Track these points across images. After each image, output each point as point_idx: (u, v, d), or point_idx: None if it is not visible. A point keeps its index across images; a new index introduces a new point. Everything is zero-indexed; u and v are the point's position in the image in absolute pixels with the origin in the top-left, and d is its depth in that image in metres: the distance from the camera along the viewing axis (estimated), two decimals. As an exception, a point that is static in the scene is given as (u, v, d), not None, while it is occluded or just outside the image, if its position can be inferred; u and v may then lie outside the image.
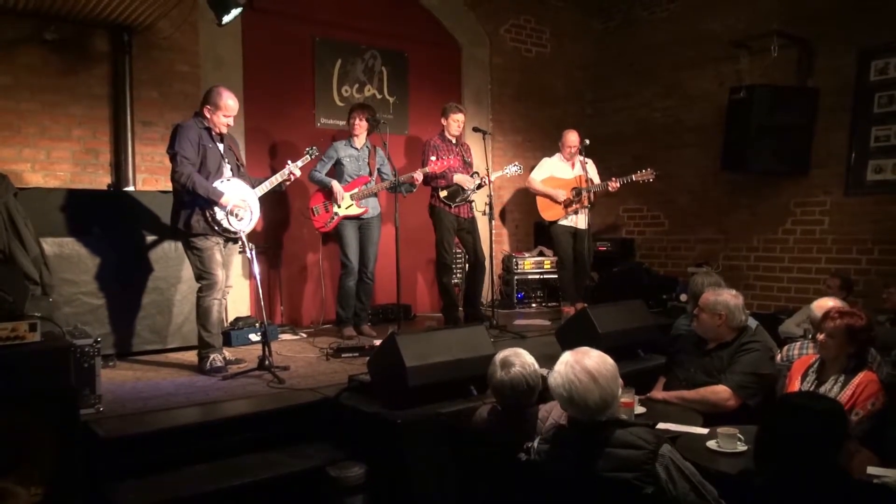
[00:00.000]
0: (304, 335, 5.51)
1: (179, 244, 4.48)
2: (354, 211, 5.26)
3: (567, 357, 2.26)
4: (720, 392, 3.24)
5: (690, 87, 7.07)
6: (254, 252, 4.28)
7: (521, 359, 2.66)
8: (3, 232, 3.93)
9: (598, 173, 6.18)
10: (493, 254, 5.58)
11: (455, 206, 5.49)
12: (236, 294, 5.24)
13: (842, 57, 5.91)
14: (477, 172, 5.63)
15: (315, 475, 3.12)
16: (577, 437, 2.21)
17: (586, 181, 5.96)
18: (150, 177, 5.29)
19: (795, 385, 3.08)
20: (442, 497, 2.99)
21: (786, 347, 3.72)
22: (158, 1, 4.59)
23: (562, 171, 6.12)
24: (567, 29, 7.87)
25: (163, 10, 4.77)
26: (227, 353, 4.42)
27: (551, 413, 2.57)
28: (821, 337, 3.01)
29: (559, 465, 2.22)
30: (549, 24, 7.72)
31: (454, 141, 5.59)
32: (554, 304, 6.84)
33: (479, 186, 5.54)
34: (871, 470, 2.38)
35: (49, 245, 4.35)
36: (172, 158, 4.13)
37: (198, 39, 5.43)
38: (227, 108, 4.22)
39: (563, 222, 6.06)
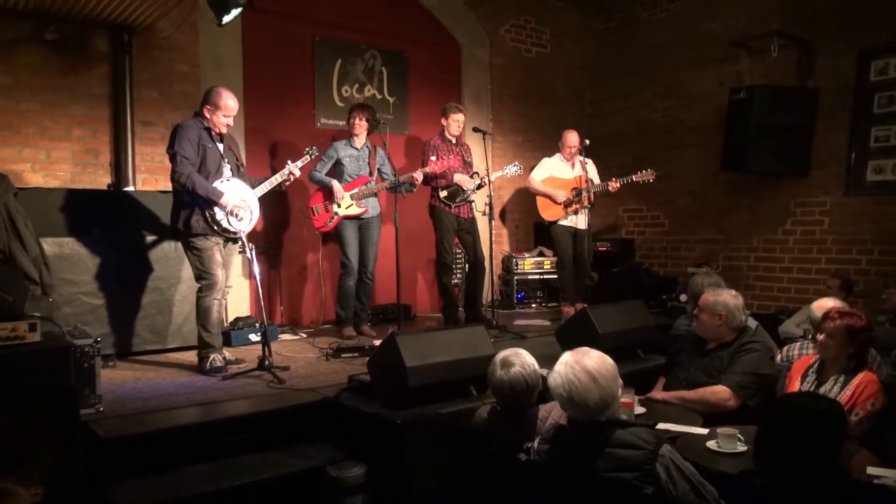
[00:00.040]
0: (304, 335, 5.51)
1: (179, 244, 4.48)
2: (354, 211, 5.26)
3: (567, 357, 2.26)
4: (720, 392, 3.24)
5: (690, 88, 7.08)
6: (254, 252, 4.28)
7: (521, 359, 2.66)
8: (3, 232, 3.93)
9: (598, 173, 6.18)
10: (493, 254, 5.58)
11: (455, 207, 5.49)
12: (236, 294, 5.24)
13: (842, 57, 5.91)
14: (477, 172, 5.63)
15: (315, 475, 3.12)
16: (577, 437, 2.21)
17: (586, 181, 5.96)
18: (150, 177, 5.29)
19: (795, 385, 3.08)
20: (442, 497, 2.99)
21: (786, 348, 3.72)
22: (158, 1, 4.59)
23: (562, 172, 6.12)
24: (567, 29, 7.88)
25: (163, 10, 4.77)
26: (227, 353, 4.42)
27: (551, 413, 2.57)
28: (821, 337, 3.01)
29: (559, 465, 2.22)
30: (549, 25, 7.72)
31: (454, 141, 5.59)
32: (554, 304, 6.84)
33: (479, 186, 5.54)
34: (870, 470, 2.38)
35: (49, 245, 4.35)
36: (172, 158, 4.13)
37: (198, 39, 5.43)
38: (227, 108, 4.22)
39: (563, 222, 6.06)
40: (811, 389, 2.98)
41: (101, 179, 5.11)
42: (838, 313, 3.00)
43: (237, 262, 5.01)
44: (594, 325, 4.10)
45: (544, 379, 2.52)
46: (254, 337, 5.04)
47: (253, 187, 4.41)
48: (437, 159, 5.36)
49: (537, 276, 7.02)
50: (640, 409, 3.10)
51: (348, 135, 5.42)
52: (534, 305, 7.00)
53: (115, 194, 5.04)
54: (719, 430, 2.71)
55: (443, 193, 5.46)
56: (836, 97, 5.96)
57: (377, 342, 4.30)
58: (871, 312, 4.06)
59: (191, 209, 4.16)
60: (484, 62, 7.28)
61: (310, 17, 6.08)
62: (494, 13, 7.28)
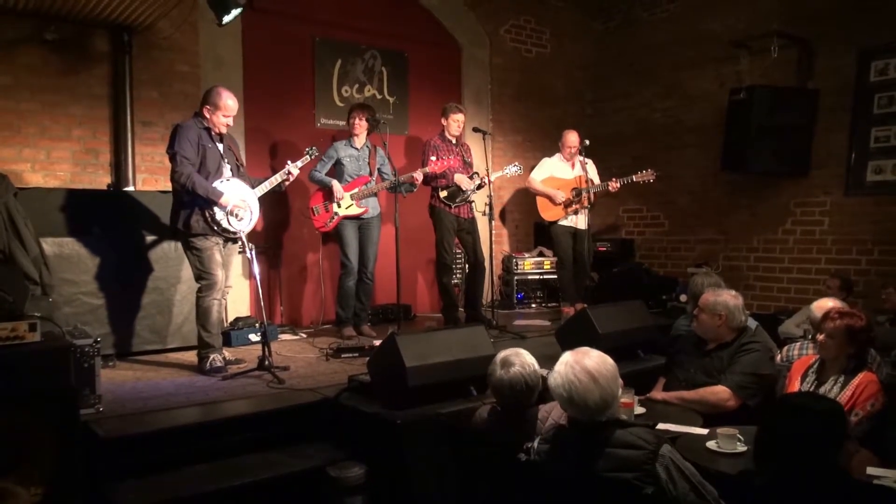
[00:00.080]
0: (304, 335, 5.51)
1: (179, 244, 4.47)
2: (354, 211, 5.26)
3: (567, 357, 2.26)
4: (720, 392, 3.24)
5: (690, 88, 7.08)
6: (253, 252, 4.28)
7: (522, 358, 2.66)
8: (3, 232, 3.93)
9: (598, 173, 6.18)
10: (493, 254, 5.57)
11: (455, 207, 5.49)
12: (236, 294, 5.24)
13: (842, 57, 5.91)
14: (477, 173, 5.63)
15: (315, 475, 3.12)
16: (577, 437, 2.21)
17: (586, 181, 5.96)
18: (150, 177, 5.29)
19: (795, 385, 3.08)
20: (442, 497, 2.99)
21: (785, 348, 3.72)
22: (158, 1, 4.59)
23: (562, 172, 6.12)
24: (567, 29, 7.88)
25: (163, 10, 4.77)
26: (227, 353, 4.42)
27: (551, 413, 2.57)
28: (820, 337, 3.01)
29: (559, 466, 2.22)
30: (549, 25, 7.72)
31: (454, 141, 5.59)
32: (554, 304, 6.84)
33: (479, 187, 5.54)
34: (870, 470, 2.39)
35: (49, 245, 4.35)
36: (172, 158, 4.13)
37: (198, 39, 5.43)
38: (227, 108, 4.21)
39: (563, 222, 6.06)
40: (811, 390, 2.98)
41: (101, 179, 5.11)
42: (838, 313, 3.00)
43: (237, 262, 5.01)
44: (594, 325, 4.10)
45: (544, 379, 2.52)
46: (254, 337, 5.04)
47: (253, 187, 4.41)
48: (437, 159, 5.36)
49: (537, 277, 7.02)
50: (639, 410, 3.10)
51: (348, 135, 5.42)
52: (534, 305, 7.00)
53: (114, 194, 5.04)
54: (719, 430, 2.71)
55: (443, 193, 5.46)
56: (836, 97, 5.96)
57: (377, 342, 4.30)
58: (871, 313, 4.07)
59: (190, 209, 4.16)
60: (484, 62, 7.28)
61: (310, 17, 6.08)
62: (494, 13, 7.29)
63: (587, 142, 5.90)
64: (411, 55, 6.75)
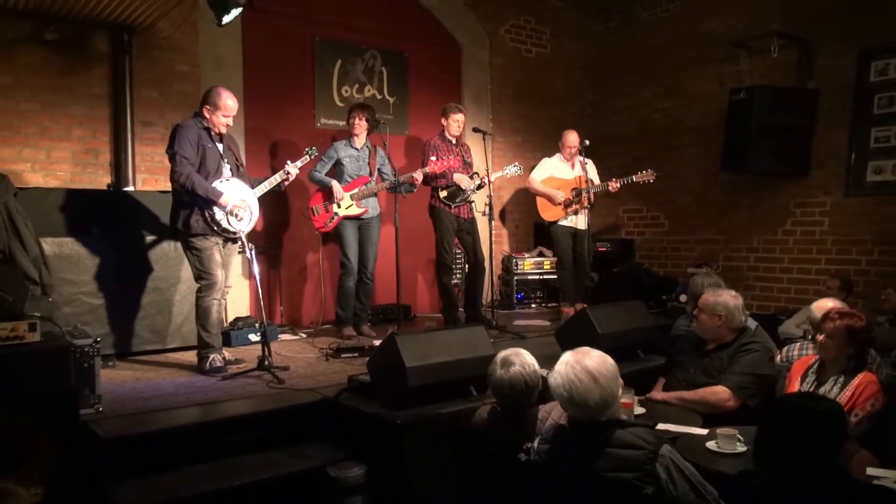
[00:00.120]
0: (304, 335, 5.51)
1: (179, 244, 4.47)
2: (354, 211, 5.26)
3: (567, 357, 2.26)
4: (720, 393, 3.24)
5: (690, 88, 7.08)
6: (253, 252, 4.28)
7: (522, 358, 2.66)
8: (2, 232, 3.93)
9: (598, 174, 6.18)
10: (493, 254, 5.58)
11: (455, 207, 5.49)
12: (236, 294, 5.24)
13: (842, 57, 5.91)
14: (477, 173, 5.63)
15: (315, 475, 3.12)
16: (577, 437, 2.21)
17: (586, 182, 5.96)
18: (150, 177, 5.29)
19: (795, 386, 3.08)
20: (442, 497, 2.99)
21: (785, 348, 3.72)
22: (158, 1, 4.59)
23: (562, 172, 6.12)
24: (567, 29, 7.88)
25: (163, 10, 4.77)
26: (227, 353, 4.42)
27: (551, 413, 2.57)
28: (820, 338, 3.01)
29: (559, 465, 2.22)
30: (549, 25, 7.72)
31: (454, 141, 5.59)
32: (553, 304, 6.85)
33: (479, 187, 5.54)
34: (870, 471, 2.39)
35: (49, 245, 4.35)
36: (172, 158, 4.13)
37: (198, 39, 5.43)
38: (227, 108, 4.21)
39: (563, 223, 6.06)
40: (811, 390, 2.98)
41: (100, 179, 5.11)
42: (838, 314, 3.00)
43: (237, 262, 5.01)
44: (594, 325, 4.10)
45: (544, 379, 2.52)
46: (253, 337, 5.04)
47: (252, 187, 4.41)
48: (437, 159, 5.36)
49: (537, 277, 7.02)
50: (639, 410, 3.10)
51: (348, 135, 5.42)
52: (533, 306, 7.00)
53: (114, 194, 5.04)
54: (719, 430, 2.71)
55: (443, 193, 5.46)
56: (836, 98, 5.96)
57: (377, 342, 4.30)
58: (871, 313, 4.07)
59: (190, 209, 4.16)
60: (484, 62, 7.28)
61: (310, 17, 6.08)
62: (494, 13, 7.29)
63: (587, 142, 5.90)
64: (411, 55, 6.75)
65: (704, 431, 2.84)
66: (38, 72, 4.85)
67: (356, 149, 5.37)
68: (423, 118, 6.70)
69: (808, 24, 6.08)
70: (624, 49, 7.73)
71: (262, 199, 4.51)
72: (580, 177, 6.00)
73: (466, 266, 6.00)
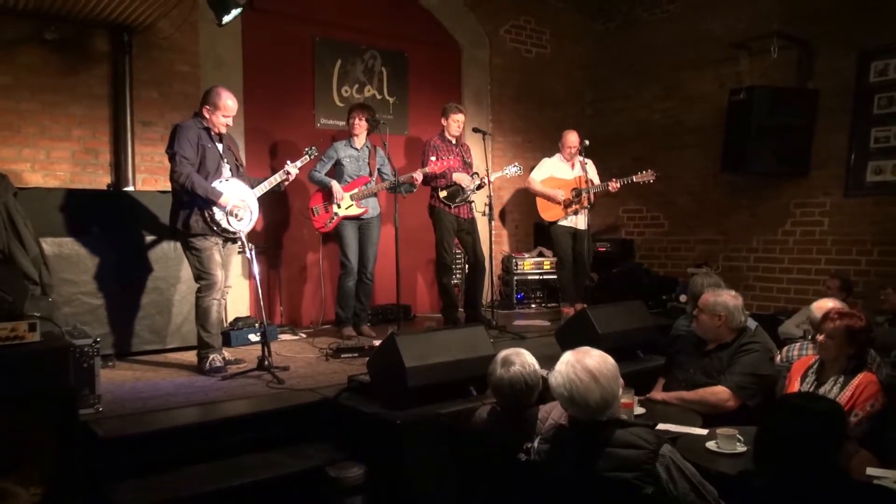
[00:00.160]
0: (304, 335, 5.51)
1: (179, 244, 4.47)
2: (354, 211, 5.26)
3: (568, 356, 2.26)
4: (719, 393, 3.24)
5: (690, 88, 7.08)
6: (253, 252, 4.27)
7: (522, 358, 2.66)
8: (2, 232, 3.93)
9: (598, 174, 6.18)
10: (493, 254, 5.58)
11: (455, 207, 5.49)
12: (236, 294, 5.24)
13: (842, 58, 5.91)
14: (476, 173, 5.63)
15: (315, 475, 3.12)
16: (577, 436, 2.21)
17: (586, 182, 5.96)
18: (150, 177, 5.29)
19: (795, 386, 3.08)
20: (442, 497, 2.99)
21: (785, 348, 3.72)
22: (158, 1, 4.59)
23: (562, 172, 6.12)
24: (567, 30, 7.88)
25: (163, 10, 4.77)
26: (227, 353, 4.42)
27: (551, 413, 2.57)
28: (820, 338, 3.01)
29: (559, 465, 2.22)
30: (549, 25, 7.72)
31: (454, 141, 5.59)
32: (553, 304, 6.85)
33: (479, 187, 5.54)
34: (870, 471, 2.39)
35: (49, 245, 4.35)
36: (171, 158, 4.13)
37: (198, 39, 5.43)
38: (226, 109, 4.21)
39: (563, 223, 6.06)
40: (811, 390, 2.98)
41: (100, 179, 5.11)
42: (838, 314, 3.00)
43: (237, 262, 5.01)
44: (594, 325, 4.10)
45: (544, 380, 2.52)
46: (253, 337, 5.04)
47: (252, 187, 4.41)
48: (437, 159, 5.36)
49: (537, 277, 7.02)
50: (639, 410, 3.10)
51: (348, 135, 5.42)
52: (533, 306, 7.00)
53: (114, 194, 5.03)
54: (719, 430, 2.71)
55: (442, 194, 5.46)
56: (836, 98, 5.96)
57: (377, 342, 4.30)
58: (871, 313, 4.07)
59: (190, 209, 4.16)
60: (484, 63, 7.28)
61: (310, 17, 6.08)
62: (494, 14, 7.29)
63: (587, 142, 5.90)
64: (411, 55, 6.76)
65: (704, 432, 2.84)
66: (38, 72, 4.85)
67: (356, 149, 5.37)
68: (422, 118, 6.70)
69: (808, 25, 6.08)
70: (624, 49, 7.73)
71: (262, 200, 4.50)
72: (580, 177, 6.00)
73: (466, 266, 6.00)
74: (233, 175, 4.31)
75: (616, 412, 2.25)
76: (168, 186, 4.35)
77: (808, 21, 6.08)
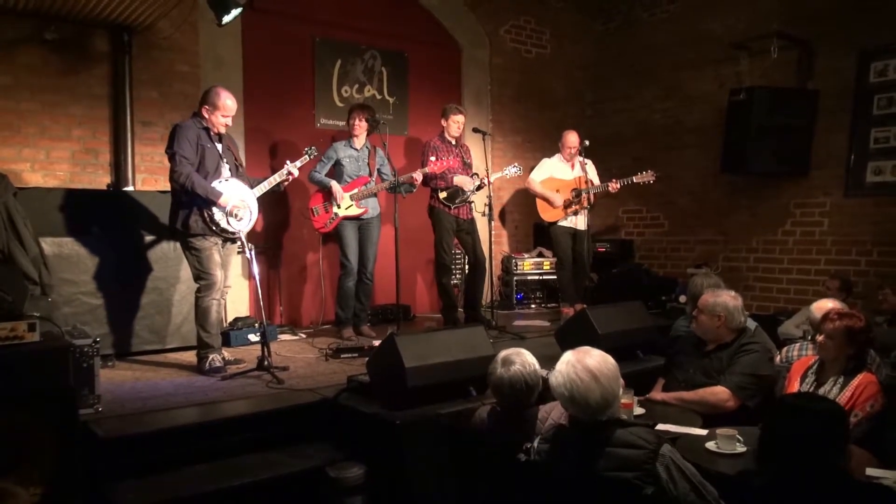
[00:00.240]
0: (304, 336, 5.51)
1: (178, 244, 4.47)
2: (354, 211, 5.26)
3: (569, 356, 2.26)
4: (719, 393, 3.24)
5: (690, 89, 7.08)
6: (253, 252, 4.27)
7: (523, 358, 2.67)
8: (2, 232, 3.93)
9: (598, 174, 6.18)
10: (493, 255, 5.58)
11: (454, 207, 5.49)
12: (235, 294, 5.24)
13: (842, 58, 5.91)
14: (476, 174, 5.63)
15: (314, 475, 3.12)
16: (577, 436, 2.21)
17: (586, 182, 5.96)
18: (150, 177, 5.29)
19: (795, 386, 3.08)
20: (442, 497, 2.99)
21: (785, 349, 3.72)
22: (158, 1, 4.59)
23: (562, 172, 6.12)
24: (567, 30, 7.88)
25: (163, 10, 4.77)
26: (227, 353, 4.42)
27: (551, 413, 2.57)
28: (820, 338, 3.01)
29: (559, 465, 2.22)
30: (549, 25, 7.72)
31: (454, 142, 5.59)
32: (553, 304, 6.85)
33: (479, 187, 5.53)
34: (870, 471, 2.39)
35: (48, 245, 4.34)
36: (171, 158, 4.13)
37: (198, 39, 5.43)
38: (226, 108, 4.21)
39: (563, 223, 6.06)
40: (810, 390, 2.98)
41: (100, 179, 5.11)
42: (837, 314, 3.00)
43: (236, 262, 5.01)
44: (594, 325, 4.10)
45: (544, 380, 2.52)
46: (253, 337, 5.04)
47: (251, 187, 4.41)
48: (437, 160, 5.36)
49: (537, 277, 7.02)
50: (639, 410, 3.10)
51: (348, 135, 5.42)
52: (533, 306, 7.00)
53: (114, 194, 5.03)
54: (718, 431, 2.71)
55: (442, 194, 5.46)
56: (836, 98, 5.96)
57: (376, 343, 4.30)
58: (870, 313, 4.07)
59: (189, 209, 4.15)
60: (484, 63, 7.28)
61: (310, 17, 6.08)
62: (494, 13, 7.29)
63: (587, 142, 5.90)
64: (411, 55, 6.76)
65: (704, 432, 2.84)
66: (38, 72, 4.85)
67: (356, 149, 5.37)
68: (422, 119, 6.70)
69: (808, 25, 6.08)
70: (624, 50, 7.73)
71: (262, 200, 4.50)
72: (580, 177, 6.00)
73: (466, 266, 6.00)
74: (232, 175, 4.31)
75: (616, 412, 2.25)
76: (168, 186, 4.35)
77: (808, 21, 6.08)
